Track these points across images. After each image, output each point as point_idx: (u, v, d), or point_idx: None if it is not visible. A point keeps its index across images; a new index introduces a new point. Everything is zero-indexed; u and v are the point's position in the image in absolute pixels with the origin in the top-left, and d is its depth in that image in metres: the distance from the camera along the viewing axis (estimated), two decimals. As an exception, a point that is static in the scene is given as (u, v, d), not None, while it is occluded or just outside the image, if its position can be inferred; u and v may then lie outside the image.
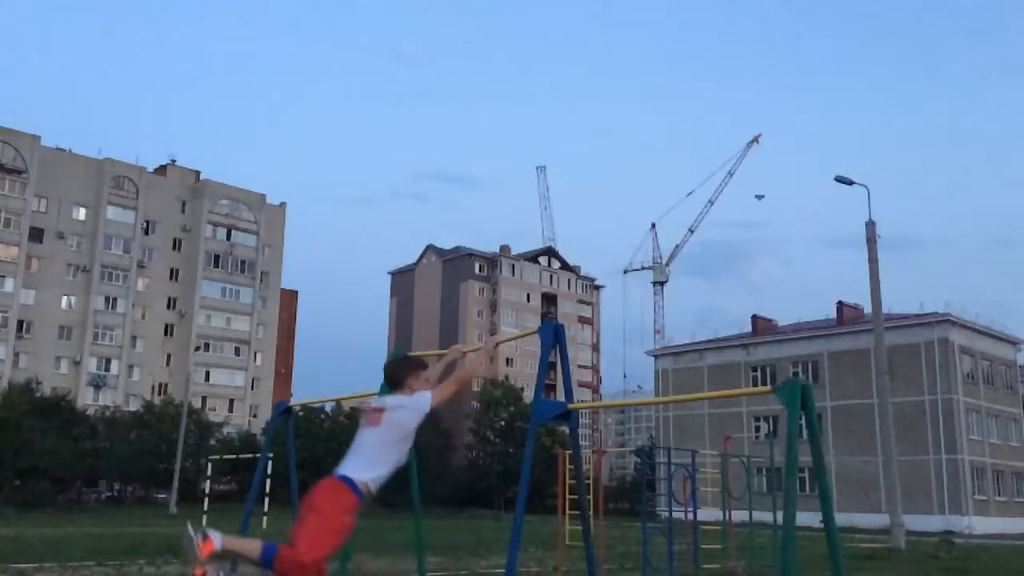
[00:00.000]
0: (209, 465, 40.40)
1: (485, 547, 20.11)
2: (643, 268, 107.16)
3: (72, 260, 73.56)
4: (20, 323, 69.95)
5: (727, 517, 16.11)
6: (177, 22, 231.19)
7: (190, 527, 4.06)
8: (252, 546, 4.24)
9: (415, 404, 4.69)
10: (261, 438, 59.05)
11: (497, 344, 5.84)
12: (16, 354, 68.88)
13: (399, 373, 4.88)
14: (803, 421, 3.85)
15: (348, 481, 4.43)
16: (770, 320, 63.78)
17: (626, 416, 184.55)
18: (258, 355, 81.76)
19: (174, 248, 79.59)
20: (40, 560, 13.66)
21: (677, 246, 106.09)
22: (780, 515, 12.54)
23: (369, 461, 4.54)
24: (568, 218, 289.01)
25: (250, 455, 41.23)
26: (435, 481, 56.91)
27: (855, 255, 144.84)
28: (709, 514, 17.56)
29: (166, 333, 78.02)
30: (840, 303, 57.98)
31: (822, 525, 4.05)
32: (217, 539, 4.12)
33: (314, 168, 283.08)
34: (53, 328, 71.65)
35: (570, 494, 14.41)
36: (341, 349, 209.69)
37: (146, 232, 77.82)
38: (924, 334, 51.56)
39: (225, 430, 61.42)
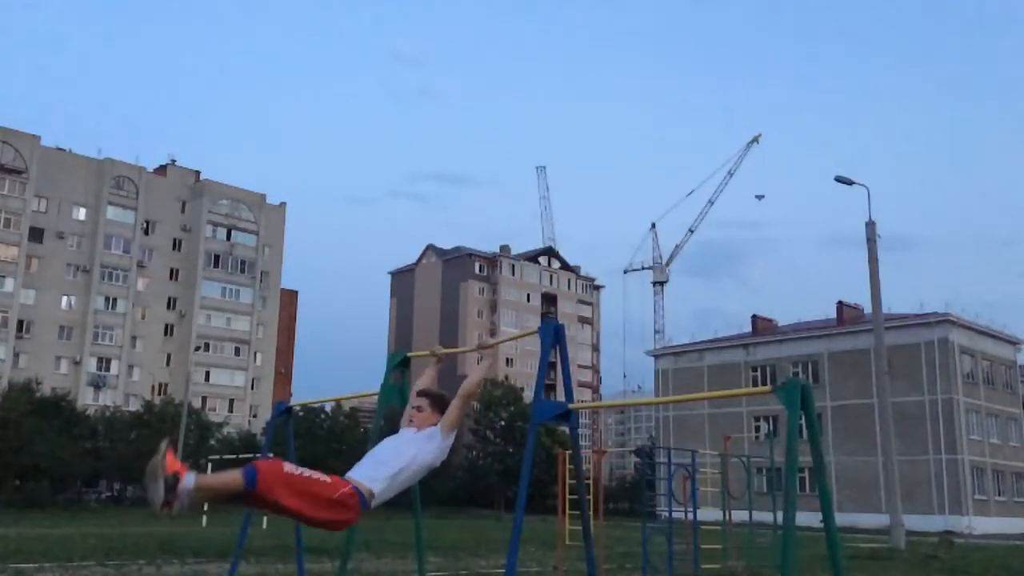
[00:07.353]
0: (209, 465, 40.28)
1: (485, 547, 20.10)
2: (643, 268, 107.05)
3: (72, 260, 73.54)
4: (20, 323, 69.96)
5: (727, 517, 16.09)
6: (177, 23, 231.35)
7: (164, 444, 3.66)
8: (230, 476, 3.80)
9: (440, 447, 4.43)
10: (261, 438, 59.02)
11: (491, 345, 5.57)
12: (16, 354, 68.88)
13: (444, 402, 4.58)
14: (803, 421, 3.85)
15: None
16: (770, 320, 63.76)
17: (626, 416, 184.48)
18: (258, 355, 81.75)
19: (174, 248, 79.57)
20: (40, 560, 13.65)
21: (677, 246, 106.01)
22: (780, 515, 12.54)
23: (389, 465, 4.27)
24: (568, 218, 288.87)
25: (250, 455, 41.24)
26: (435, 481, 56.93)
27: (855, 255, 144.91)
28: (709, 514, 17.55)
29: (166, 333, 78.02)
30: (840, 303, 57.98)
31: (822, 525, 4.05)
32: (191, 477, 3.65)
33: (314, 168, 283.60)
34: (53, 328, 71.65)
35: (570, 494, 14.39)
36: (341, 349, 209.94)
37: (146, 232, 77.80)
38: (924, 334, 51.55)
39: (225, 430, 61.39)
